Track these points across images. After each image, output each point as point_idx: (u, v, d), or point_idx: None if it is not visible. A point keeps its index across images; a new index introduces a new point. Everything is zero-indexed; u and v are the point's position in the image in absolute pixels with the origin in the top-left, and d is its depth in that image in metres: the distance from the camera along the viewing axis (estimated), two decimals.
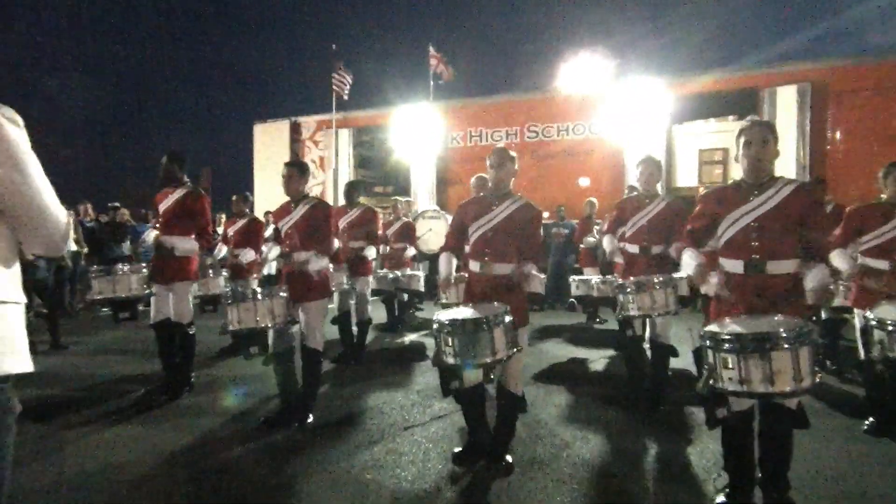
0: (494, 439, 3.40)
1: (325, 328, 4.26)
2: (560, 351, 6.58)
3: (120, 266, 4.71)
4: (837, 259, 3.98)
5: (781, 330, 2.32)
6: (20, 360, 1.45)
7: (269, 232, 8.45)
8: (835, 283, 4.61)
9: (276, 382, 4.17)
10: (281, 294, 3.92)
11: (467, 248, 3.60)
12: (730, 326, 2.47)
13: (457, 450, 3.46)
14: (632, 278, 4.19)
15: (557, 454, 3.52)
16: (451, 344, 2.98)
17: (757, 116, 2.87)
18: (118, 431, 3.95)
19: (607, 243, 4.87)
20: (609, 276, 6.85)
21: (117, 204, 10.39)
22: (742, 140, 2.74)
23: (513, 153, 3.52)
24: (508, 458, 3.34)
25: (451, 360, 3.01)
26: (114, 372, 5.52)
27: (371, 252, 6.05)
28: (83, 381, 5.19)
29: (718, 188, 3.05)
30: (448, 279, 3.60)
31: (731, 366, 2.34)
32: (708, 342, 2.46)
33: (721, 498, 2.84)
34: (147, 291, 4.68)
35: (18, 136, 1.41)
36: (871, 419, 3.86)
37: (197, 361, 5.18)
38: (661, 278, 4.05)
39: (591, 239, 8.23)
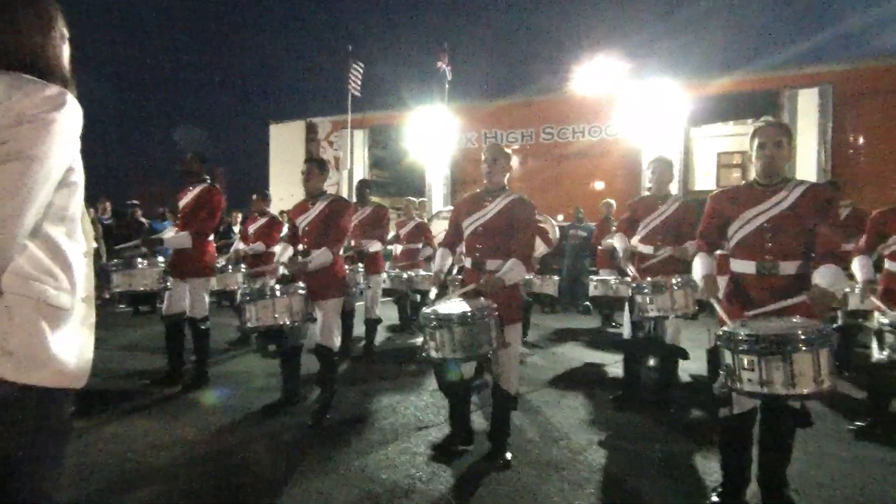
0: (491, 437, 3.44)
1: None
2: (576, 354, 6.51)
3: (139, 260, 4.70)
4: (857, 265, 3.95)
5: (800, 332, 2.30)
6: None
7: (285, 230, 8.49)
8: (851, 287, 4.57)
9: (282, 376, 4.31)
10: (299, 291, 3.91)
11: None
12: (747, 328, 2.44)
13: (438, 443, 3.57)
14: (649, 279, 4.14)
15: (574, 458, 3.47)
16: (434, 338, 2.96)
17: (771, 118, 2.87)
18: (135, 425, 3.95)
19: (618, 242, 4.85)
20: (628, 277, 6.78)
21: (135, 202, 10.50)
22: (756, 141, 2.75)
23: (508, 150, 3.51)
24: (507, 455, 3.34)
25: (434, 354, 3.00)
26: (131, 367, 5.55)
27: (374, 246, 6.05)
28: (101, 376, 5.21)
29: (730, 188, 3.06)
30: (439, 274, 3.58)
31: (749, 367, 2.32)
32: (726, 343, 2.43)
33: (714, 497, 2.84)
34: (163, 285, 4.71)
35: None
36: (868, 419, 3.83)
37: (212, 357, 5.22)
38: (679, 279, 3.99)
39: (609, 241, 8.15)
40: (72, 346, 1.35)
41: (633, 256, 4.53)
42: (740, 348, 2.34)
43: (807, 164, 10.44)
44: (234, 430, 3.91)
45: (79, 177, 1.38)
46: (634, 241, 4.55)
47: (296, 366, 4.34)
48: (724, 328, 2.49)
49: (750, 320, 2.56)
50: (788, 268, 2.67)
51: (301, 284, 3.95)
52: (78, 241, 1.41)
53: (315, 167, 4.21)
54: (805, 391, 2.26)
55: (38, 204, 1.24)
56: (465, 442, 3.57)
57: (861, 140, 10.58)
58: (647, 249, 4.45)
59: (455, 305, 3.12)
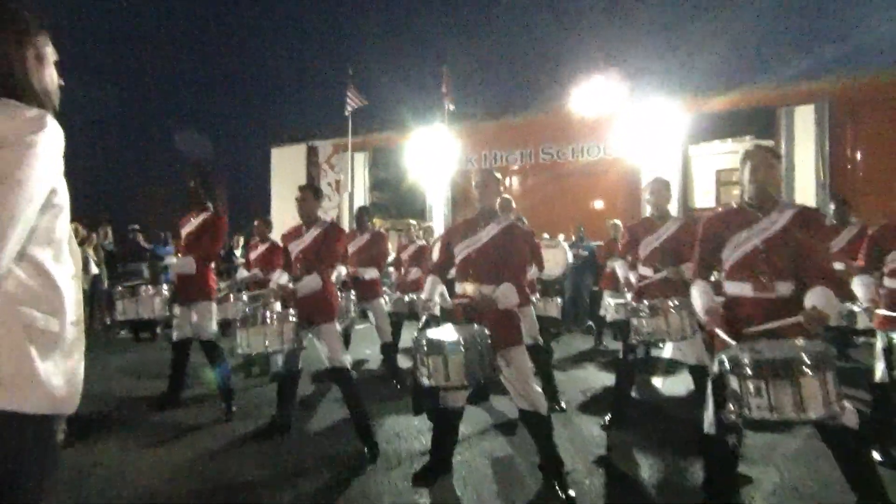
0: (544, 469, 3.31)
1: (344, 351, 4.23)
2: (588, 377, 6.45)
3: (144, 287, 4.73)
4: (857, 285, 3.89)
5: (805, 355, 2.26)
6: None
7: None
8: (859, 306, 4.50)
9: (277, 401, 4.30)
10: (290, 318, 3.91)
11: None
12: (750, 352, 2.40)
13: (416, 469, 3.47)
14: (646, 301, 4.09)
15: (580, 481, 3.43)
16: (426, 364, 2.91)
17: (761, 142, 2.90)
18: (131, 449, 3.92)
19: (619, 270, 4.83)
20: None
21: (136, 226, 10.53)
22: (748, 164, 2.82)
23: (497, 174, 3.57)
24: (571, 492, 3.15)
25: (425, 381, 2.93)
26: (129, 391, 5.53)
27: (370, 273, 6.05)
28: (99, 400, 5.17)
29: (721, 212, 3.09)
30: (429, 302, 3.54)
31: (756, 392, 2.27)
32: (731, 368, 2.38)
33: None
34: (169, 313, 4.74)
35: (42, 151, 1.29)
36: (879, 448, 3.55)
37: (205, 380, 5.27)
38: (676, 301, 3.92)
39: (613, 263, 8.06)
40: (62, 370, 1.33)
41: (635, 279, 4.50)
42: (746, 373, 2.30)
43: (805, 179, 10.48)
44: (232, 454, 3.88)
45: (63, 199, 1.37)
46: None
47: (292, 393, 4.35)
48: (728, 353, 2.44)
49: (752, 343, 2.52)
50: (783, 289, 2.70)
51: (292, 311, 3.95)
52: (65, 264, 1.38)
53: (309, 193, 4.27)
54: (814, 416, 2.23)
55: (21, 227, 1.22)
56: (444, 472, 3.49)
57: (858, 154, 10.63)
58: (646, 271, 4.41)
59: (447, 332, 3.07)
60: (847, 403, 2.47)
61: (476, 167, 13.74)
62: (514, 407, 4.45)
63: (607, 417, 4.49)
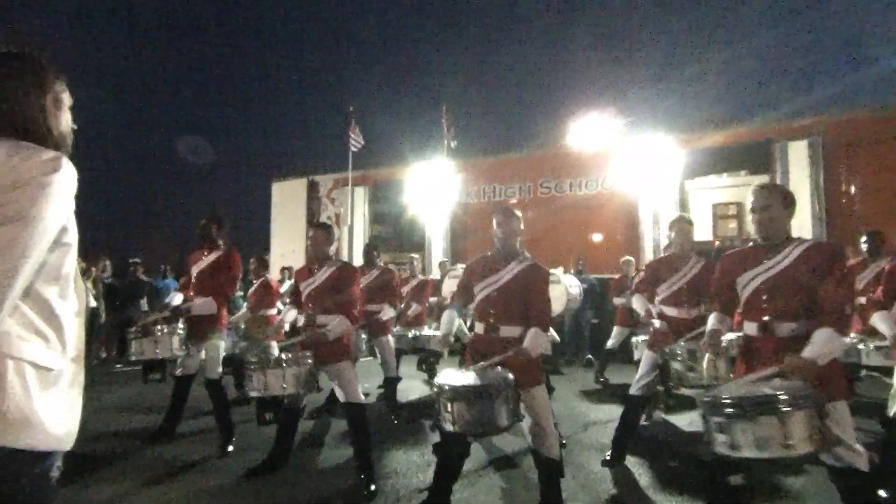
0: None
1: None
2: (588, 410, 6.38)
3: (158, 327, 4.58)
4: (878, 320, 3.85)
5: (768, 394, 2.26)
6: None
7: (284, 287, 8.54)
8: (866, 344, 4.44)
9: (277, 439, 4.21)
10: (308, 360, 3.85)
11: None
12: (726, 391, 2.42)
13: None
14: (682, 342, 3.95)
15: None
16: (449, 410, 2.84)
17: (765, 182, 2.93)
18: (125, 487, 3.85)
19: (637, 303, 4.72)
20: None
21: (137, 260, 10.55)
22: (749, 204, 2.83)
23: (518, 211, 3.47)
24: None
25: (448, 427, 2.87)
26: (124, 427, 5.45)
27: (387, 313, 6.03)
28: (93, 436, 5.10)
29: (738, 250, 3.08)
30: (447, 337, 3.51)
31: (719, 429, 2.31)
32: (703, 405, 2.42)
33: None
34: (185, 352, 4.70)
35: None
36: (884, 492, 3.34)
37: (199, 415, 5.21)
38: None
39: (621, 299, 8.00)
40: (60, 407, 1.34)
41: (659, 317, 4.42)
42: (712, 410, 2.35)
43: (802, 213, 10.54)
44: (227, 491, 3.82)
45: (72, 237, 1.40)
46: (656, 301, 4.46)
47: (294, 430, 4.28)
48: (707, 392, 2.47)
49: (733, 383, 2.54)
50: (785, 330, 2.64)
51: (308, 353, 3.89)
52: (70, 301, 1.41)
53: (321, 232, 4.24)
54: (768, 455, 2.22)
55: (31, 264, 1.26)
56: None
57: (853, 188, 10.72)
58: (672, 311, 4.33)
59: (470, 376, 2.99)
60: (860, 447, 2.45)
61: (476, 201, 13.85)
62: (514, 442, 4.44)
63: (608, 453, 4.43)
